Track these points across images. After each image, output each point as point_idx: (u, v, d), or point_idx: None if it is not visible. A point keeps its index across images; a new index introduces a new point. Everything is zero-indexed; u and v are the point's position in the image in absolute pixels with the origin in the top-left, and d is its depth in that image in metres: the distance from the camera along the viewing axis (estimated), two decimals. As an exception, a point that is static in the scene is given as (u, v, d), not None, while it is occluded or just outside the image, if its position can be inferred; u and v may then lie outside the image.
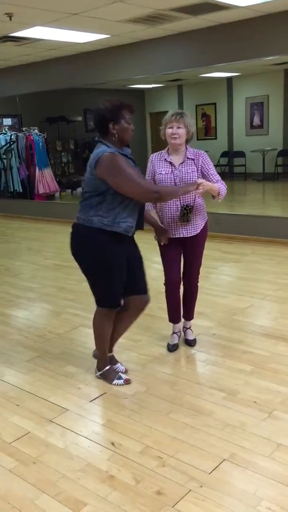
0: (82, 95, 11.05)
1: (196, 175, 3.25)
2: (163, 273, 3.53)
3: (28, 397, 2.97)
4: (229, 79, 11.53)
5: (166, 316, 4.04)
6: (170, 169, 3.27)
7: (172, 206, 3.29)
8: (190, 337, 3.63)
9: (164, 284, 3.54)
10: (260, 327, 3.86)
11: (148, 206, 3.34)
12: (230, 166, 11.79)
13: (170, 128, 3.23)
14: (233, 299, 4.50)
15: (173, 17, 5.68)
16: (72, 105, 11.27)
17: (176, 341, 3.59)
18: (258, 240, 6.57)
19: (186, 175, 3.24)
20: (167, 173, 3.27)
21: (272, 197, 10.70)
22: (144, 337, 3.78)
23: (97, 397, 2.94)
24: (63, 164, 11.43)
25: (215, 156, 11.87)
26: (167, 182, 3.26)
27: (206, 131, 12.13)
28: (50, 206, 9.63)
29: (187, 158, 3.27)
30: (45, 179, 9.84)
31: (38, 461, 2.39)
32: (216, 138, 12.06)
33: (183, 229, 3.34)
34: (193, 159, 3.27)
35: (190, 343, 3.60)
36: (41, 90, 8.63)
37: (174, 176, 3.26)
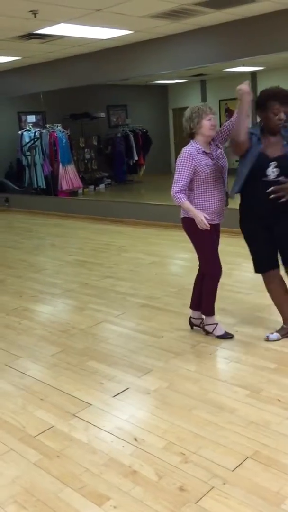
0: (105, 92, 11.11)
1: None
2: (208, 266, 3.59)
3: (52, 392, 3.01)
4: (253, 74, 11.39)
5: (188, 313, 4.01)
6: (210, 160, 3.37)
7: (220, 192, 3.44)
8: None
9: (214, 274, 3.57)
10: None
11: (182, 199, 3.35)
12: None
13: (208, 120, 3.31)
14: (256, 296, 4.45)
15: (197, 12, 5.63)
16: (95, 101, 11.31)
17: None
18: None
19: (223, 161, 3.43)
20: (210, 164, 3.35)
21: None
22: (166, 333, 3.78)
23: (120, 393, 2.95)
24: (86, 161, 11.49)
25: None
26: (212, 172, 3.35)
27: (230, 127, 12.01)
28: (73, 202, 9.70)
29: (213, 146, 3.43)
30: (69, 176, 9.92)
31: (62, 454, 2.41)
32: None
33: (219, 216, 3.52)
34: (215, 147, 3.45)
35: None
36: (65, 87, 8.68)
37: (216, 166, 3.38)
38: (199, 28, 6.56)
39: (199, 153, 3.33)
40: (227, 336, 3.60)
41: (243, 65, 9.36)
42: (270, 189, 3.12)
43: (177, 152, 13.85)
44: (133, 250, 6.54)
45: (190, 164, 3.31)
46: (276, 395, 2.81)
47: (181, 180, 3.32)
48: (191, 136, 3.40)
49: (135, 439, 2.49)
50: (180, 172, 3.33)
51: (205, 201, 3.40)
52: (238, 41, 6.31)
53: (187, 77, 11.63)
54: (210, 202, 3.41)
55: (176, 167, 3.36)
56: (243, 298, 4.41)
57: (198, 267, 3.73)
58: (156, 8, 5.41)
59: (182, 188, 3.33)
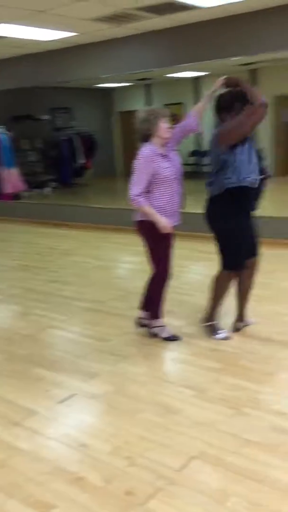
0: (49, 94, 10.97)
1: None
2: (160, 269, 3.54)
3: (-5, 401, 2.92)
4: (195, 79, 11.62)
5: (135, 316, 4.03)
6: (167, 163, 3.38)
7: (176, 194, 3.44)
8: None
9: (164, 278, 3.56)
10: (227, 325, 3.89)
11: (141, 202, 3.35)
12: (198, 165, 11.87)
13: (165, 122, 3.34)
14: (200, 297, 4.51)
15: (139, 17, 5.68)
16: (39, 103, 11.15)
17: None
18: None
19: (177, 162, 3.45)
20: (167, 167, 3.36)
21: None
22: (113, 336, 3.77)
23: (66, 399, 2.91)
24: (30, 163, 11.29)
25: (183, 155, 11.94)
26: (171, 175, 3.37)
27: (174, 131, 12.18)
28: (17, 206, 9.49)
29: (169, 147, 3.46)
30: (12, 178, 9.70)
31: (5, 465, 2.35)
32: (184, 138, 12.13)
33: (177, 217, 3.52)
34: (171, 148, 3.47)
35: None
36: (7, 88, 8.49)
37: (172, 168, 3.39)
38: (142, 33, 6.61)
39: (156, 155, 3.32)
40: (174, 339, 3.63)
41: (187, 70, 9.52)
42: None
43: (124, 155, 13.96)
44: (78, 253, 6.49)
45: (148, 167, 3.29)
46: (221, 395, 2.86)
47: (140, 183, 3.30)
48: (147, 138, 3.37)
49: (82, 445, 2.46)
50: (139, 174, 3.30)
51: (163, 203, 3.38)
52: (181, 47, 6.41)
53: (132, 81, 11.69)
54: (168, 204, 3.40)
55: (134, 169, 3.34)
56: (189, 300, 4.47)
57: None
58: (98, 11, 5.40)
59: (141, 191, 3.30)
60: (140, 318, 3.80)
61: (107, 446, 2.44)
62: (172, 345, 3.57)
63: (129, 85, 12.54)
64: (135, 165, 3.34)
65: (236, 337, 3.63)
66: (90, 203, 9.61)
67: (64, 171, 11.80)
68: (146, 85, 12.62)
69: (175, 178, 3.41)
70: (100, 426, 2.62)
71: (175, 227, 3.55)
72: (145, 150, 3.33)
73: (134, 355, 3.44)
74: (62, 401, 2.88)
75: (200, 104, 3.62)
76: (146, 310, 3.75)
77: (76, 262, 6.05)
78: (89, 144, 12.07)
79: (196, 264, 5.68)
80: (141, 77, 10.54)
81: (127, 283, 5.10)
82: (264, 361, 3.24)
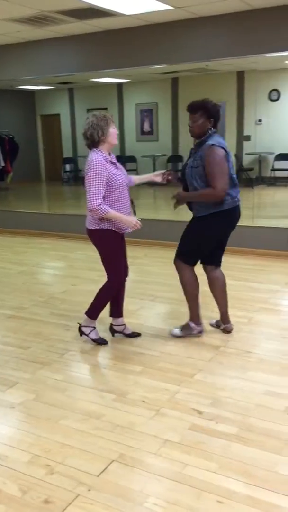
0: None
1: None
2: (114, 276, 3.53)
3: None
4: (119, 85, 11.72)
5: (57, 321, 4.00)
6: (117, 170, 3.36)
7: (128, 200, 3.44)
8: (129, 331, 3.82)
9: (115, 285, 3.56)
10: (150, 328, 3.96)
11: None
12: (123, 171, 11.97)
13: (114, 128, 3.33)
14: (125, 302, 4.55)
15: (59, 20, 5.64)
16: None
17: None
18: (150, 243, 6.74)
19: (124, 170, 3.46)
20: (119, 174, 3.36)
21: (163, 202, 11.04)
22: (34, 343, 3.70)
23: (-17, 409, 2.81)
24: None
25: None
26: (124, 182, 3.37)
27: (98, 136, 12.19)
28: None
29: (113, 155, 3.45)
30: None
31: None
32: (107, 143, 12.19)
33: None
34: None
35: (136, 334, 3.80)
36: None
37: (123, 176, 3.39)
38: (63, 37, 6.57)
39: (107, 162, 3.27)
40: (101, 342, 3.63)
41: (109, 76, 9.58)
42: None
43: (46, 159, 13.72)
44: (0, 259, 6.31)
45: (103, 174, 3.22)
46: (141, 397, 2.90)
47: (99, 192, 3.21)
48: (95, 145, 3.30)
49: (-2, 457, 2.39)
50: (95, 183, 3.20)
51: (116, 210, 3.34)
52: (101, 53, 6.45)
53: (54, 84, 11.56)
54: (121, 211, 3.37)
55: (89, 179, 3.21)
56: (111, 304, 4.48)
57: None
58: (17, 12, 5.31)
59: (101, 200, 3.23)
60: (114, 325, 3.78)
61: (25, 456, 2.39)
62: (93, 350, 3.57)
63: (52, 88, 12.39)
64: (88, 174, 3.23)
65: (156, 341, 3.69)
66: (11, 207, 9.37)
67: (-16, 175, 11.41)
68: (70, 89, 12.53)
69: (125, 185, 3.39)
70: (18, 436, 2.56)
71: (123, 234, 3.55)
72: (96, 156, 3.25)
73: (55, 362, 3.40)
74: (-22, 412, 2.78)
75: (142, 180, 3.71)
76: (117, 316, 3.76)
77: (-4, 268, 5.87)
78: (10, 147, 11.77)
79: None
80: (64, 81, 10.44)
81: (51, 288, 5.03)
82: (181, 363, 3.33)
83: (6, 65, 7.28)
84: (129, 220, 3.36)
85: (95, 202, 3.22)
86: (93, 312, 3.62)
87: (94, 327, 3.66)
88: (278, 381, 3.05)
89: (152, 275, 5.40)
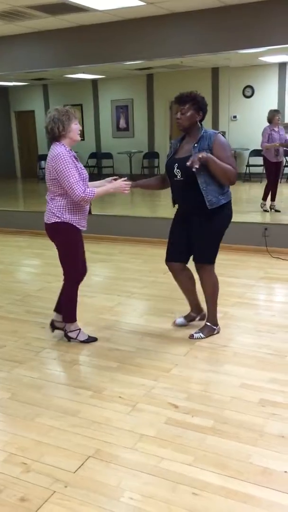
0: None
1: None
2: (72, 272, 3.51)
3: None
4: (94, 81, 11.65)
5: (33, 319, 3.98)
6: (80, 164, 3.34)
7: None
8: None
9: (76, 280, 3.54)
10: (126, 324, 3.97)
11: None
12: (99, 167, 11.93)
13: (76, 124, 3.28)
14: (101, 299, 4.56)
15: (31, 15, 5.59)
16: None
17: None
18: (126, 239, 6.74)
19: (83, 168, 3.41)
20: (83, 168, 3.33)
21: (139, 198, 11.04)
22: (9, 342, 3.67)
23: None
24: None
25: (83, 157, 11.91)
26: (86, 176, 3.34)
27: (74, 132, 12.13)
28: None
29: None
30: None
31: None
32: (83, 139, 12.11)
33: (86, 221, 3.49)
34: None
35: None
36: None
37: (84, 171, 3.35)
38: (35, 32, 6.51)
39: (70, 156, 3.24)
40: (91, 340, 3.61)
41: (83, 72, 9.52)
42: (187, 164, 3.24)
43: (21, 156, 13.53)
44: (-26, 258, 6.23)
45: (72, 163, 3.20)
46: (118, 393, 2.91)
47: (78, 181, 3.19)
48: (57, 139, 3.27)
49: (-27, 456, 2.37)
50: (71, 174, 3.17)
51: (80, 206, 3.34)
52: (74, 48, 6.41)
53: (28, 80, 11.43)
54: (84, 208, 3.37)
55: (62, 172, 3.17)
56: (88, 301, 4.47)
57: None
58: (-12, 7, 5.24)
59: (82, 186, 3.20)
60: (55, 321, 3.73)
61: (0, 455, 2.37)
62: (70, 348, 3.56)
63: (26, 85, 12.26)
64: (59, 168, 3.18)
65: (132, 337, 3.70)
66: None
67: None
68: (44, 85, 12.42)
69: (86, 182, 3.35)
70: (-6, 435, 2.54)
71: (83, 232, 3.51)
72: (58, 149, 3.22)
73: (30, 360, 3.38)
74: None
75: (99, 185, 3.51)
76: (62, 314, 3.71)
77: None
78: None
79: (94, 265, 5.70)
80: (38, 77, 10.34)
81: (26, 286, 4.99)
82: (158, 358, 3.34)
83: (-22, 60, 7.17)
84: (117, 186, 3.37)
85: (79, 191, 3.20)
86: (68, 316, 3.60)
87: (79, 329, 3.63)
88: (253, 374, 3.09)
89: (128, 271, 5.40)
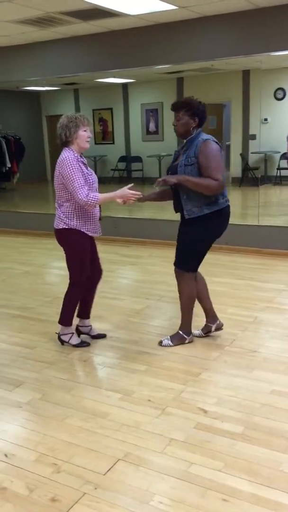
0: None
1: None
2: (76, 276, 3.54)
3: None
4: (124, 85, 11.73)
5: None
6: (88, 170, 3.36)
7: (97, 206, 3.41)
8: (94, 333, 3.80)
9: (77, 283, 3.55)
10: (155, 327, 3.97)
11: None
12: (128, 171, 11.99)
13: (85, 131, 3.30)
14: (130, 301, 4.58)
15: (64, 21, 5.67)
16: None
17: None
18: (154, 243, 6.75)
19: (93, 173, 3.45)
20: (91, 174, 3.36)
21: (168, 202, 11.05)
22: (40, 343, 3.72)
23: (-10, 409, 2.84)
24: None
25: (113, 160, 12.01)
26: (95, 182, 3.38)
27: (104, 136, 12.23)
28: None
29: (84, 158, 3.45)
30: None
31: None
32: (113, 143, 12.21)
33: (99, 228, 3.51)
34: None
35: (101, 335, 3.78)
36: None
37: (94, 176, 3.39)
38: (68, 37, 6.60)
39: (78, 161, 3.28)
40: (83, 345, 3.62)
41: (114, 77, 9.59)
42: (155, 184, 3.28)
43: (52, 160, 13.72)
44: (5, 259, 6.34)
45: (79, 169, 3.25)
46: (147, 396, 2.91)
47: (82, 186, 3.22)
48: (66, 144, 3.33)
49: (5, 455, 2.41)
50: (76, 178, 3.21)
51: (88, 212, 3.37)
52: (106, 53, 6.47)
53: (60, 85, 11.59)
54: (93, 213, 3.40)
55: (67, 176, 3.22)
56: (117, 304, 4.50)
57: None
58: (22, 14, 5.34)
59: (86, 190, 3.23)
60: (79, 326, 3.77)
61: (31, 455, 2.41)
62: (98, 349, 3.59)
63: (58, 89, 12.43)
64: (65, 173, 3.23)
65: (159, 339, 3.70)
66: (17, 208, 9.42)
67: (-10, 175, 11.47)
68: (75, 90, 12.57)
69: (95, 186, 3.39)
70: (25, 435, 2.58)
71: (95, 238, 3.54)
72: (67, 154, 3.27)
73: (60, 361, 3.42)
74: (-15, 412, 2.81)
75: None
76: (84, 317, 3.75)
77: (3, 268, 5.90)
78: (16, 148, 11.82)
79: (123, 268, 5.74)
80: (69, 82, 10.48)
81: (55, 289, 5.05)
82: (187, 362, 3.34)
83: (12, 66, 7.32)
84: (125, 193, 3.32)
85: (82, 196, 3.22)
86: (64, 318, 3.61)
87: (73, 333, 3.65)
88: (284, 380, 3.05)
89: (156, 274, 5.41)
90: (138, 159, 11.87)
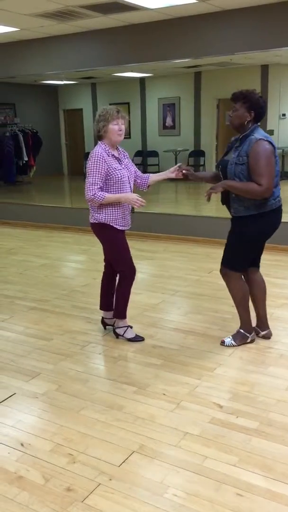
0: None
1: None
2: (123, 268, 3.54)
3: None
4: (142, 79, 11.70)
5: (79, 314, 4.04)
6: (119, 165, 3.35)
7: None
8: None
9: (128, 274, 3.54)
10: (170, 322, 3.98)
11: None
12: (144, 165, 11.97)
13: (115, 124, 3.27)
14: (146, 296, 4.59)
15: (83, 14, 5.67)
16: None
17: None
18: (170, 237, 6.75)
19: (131, 167, 3.45)
20: (120, 169, 3.33)
21: (184, 196, 11.03)
22: (56, 335, 3.75)
23: (6, 399, 2.87)
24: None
25: (129, 155, 12.00)
26: (124, 177, 3.34)
27: (120, 130, 12.23)
28: None
29: (121, 151, 3.44)
30: None
31: None
32: (130, 137, 12.20)
33: (129, 221, 3.53)
34: (123, 153, 3.48)
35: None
36: None
37: (125, 171, 3.36)
38: (87, 31, 6.60)
39: (108, 155, 3.28)
40: (137, 339, 3.62)
41: (131, 71, 9.58)
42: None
43: (69, 153, 13.78)
44: (22, 252, 6.39)
45: (102, 166, 3.24)
46: (162, 390, 2.93)
47: (95, 184, 3.24)
48: (100, 138, 3.34)
49: (22, 445, 2.45)
50: (93, 175, 3.23)
51: (115, 207, 3.36)
52: (125, 47, 6.45)
53: (77, 79, 11.60)
54: (121, 208, 3.39)
55: (88, 170, 3.25)
56: (132, 298, 4.50)
57: (104, 269, 3.74)
58: (41, 7, 5.35)
59: (96, 190, 3.25)
60: (104, 318, 3.80)
61: (48, 445, 2.44)
62: (113, 343, 3.60)
63: (75, 83, 12.45)
64: (88, 166, 3.26)
65: (176, 334, 3.71)
66: (34, 201, 9.48)
67: (7, 169, 11.55)
68: (93, 84, 12.57)
69: (126, 182, 3.37)
70: (41, 425, 2.61)
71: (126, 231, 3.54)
72: (97, 149, 3.28)
73: (76, 354, 3.44)
74: (1, 402, 2.84)
75: (160, 176, 3.59)
76: (108, 310, 3.76)
77: (20, 261, 5.96)
78: (33, 142, 11.89)
79: (139, 263, 5.74)
80: (87, 76, 10.48)
81: (72, 281, 5.09)
82: (202, 357, 3.34)
83: (30, 60, 7.35)
84: (129, 198, 3.31)
85: (89, 193, 3.25)
86: (120, 311, 3.63)
87: (128, 326, 3.66)
88: (299, 377, 3.04)
89: (172, 269, 5.41)
90: (154, 153, 11.85)
